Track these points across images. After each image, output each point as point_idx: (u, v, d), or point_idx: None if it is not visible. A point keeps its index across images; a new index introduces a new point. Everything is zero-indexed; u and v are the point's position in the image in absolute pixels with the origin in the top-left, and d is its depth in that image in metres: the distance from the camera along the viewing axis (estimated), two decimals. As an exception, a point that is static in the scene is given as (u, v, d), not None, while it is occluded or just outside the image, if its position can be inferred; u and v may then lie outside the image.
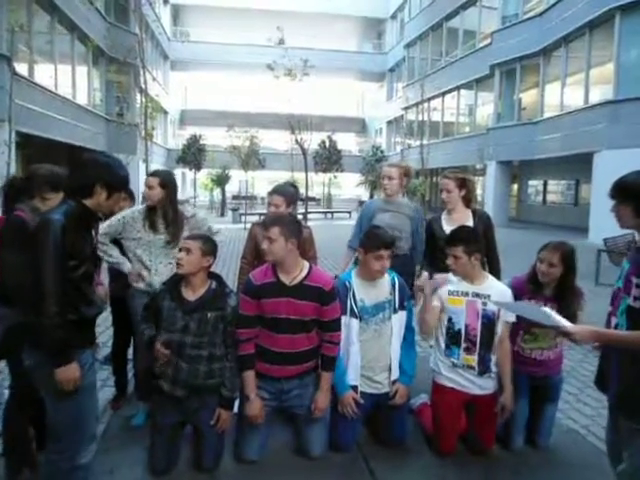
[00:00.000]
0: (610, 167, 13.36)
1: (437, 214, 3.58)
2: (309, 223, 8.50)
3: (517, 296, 2.75)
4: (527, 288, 2.78)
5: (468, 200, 3.41)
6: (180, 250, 2.55)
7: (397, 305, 2.77)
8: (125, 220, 3.09)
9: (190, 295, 2.55)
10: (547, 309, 2.01)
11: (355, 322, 2.70)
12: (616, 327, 1.87)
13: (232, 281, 3.86)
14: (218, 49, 31.74)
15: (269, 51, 12.89)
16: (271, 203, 3.24)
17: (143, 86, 12.15)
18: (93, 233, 2.21)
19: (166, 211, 3.08)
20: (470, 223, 3.32)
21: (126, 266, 3.13)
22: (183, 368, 2.49)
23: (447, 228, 3.31)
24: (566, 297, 2.69)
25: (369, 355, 2.74)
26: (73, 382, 1.97)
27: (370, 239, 2.71)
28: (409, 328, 2.88)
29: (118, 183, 2.19)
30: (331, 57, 31.08)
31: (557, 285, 2.71)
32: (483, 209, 3.56)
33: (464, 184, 3.36)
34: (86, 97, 18.19)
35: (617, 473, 1.89)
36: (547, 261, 2.67)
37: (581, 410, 3.37)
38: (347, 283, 2.77)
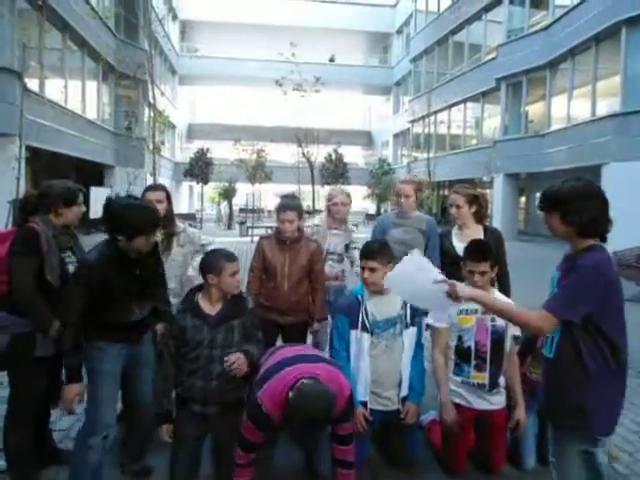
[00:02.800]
0: (618, 180, 13.29)
1: (447, 229, 3.53)
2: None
3: None
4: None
5: (480, 216, 3.36)
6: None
7: (408, 321, 2.72)
8: None
9: (210, 309, 2.54)
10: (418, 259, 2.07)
11: (366, 336, 2.66)
12: (550, 339, 1.89)
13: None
14: (225, 64, 32.15)
15: (276, 66, 13.04)
16: (285, 220, 3.15)
17: (152, 101, 12.27)
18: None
19: (167, 223, 3.09)
20: (479, 237, 3.30)
21: None
22: (213, 387, 2.48)
23: (458, 245, 3.30)
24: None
25: (379, 370, 2.69)
26: (73, 397, 2.28)
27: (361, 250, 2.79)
28: (418, 344, 2.82)
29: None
30: (338, 71, 31.38)
31: None
32: (493, 226, 3.52)
33: (475, 200, 3.32)
34: (95, 112, 18.44)
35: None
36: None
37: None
38: (359, 297, 2.73)
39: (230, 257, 2.50)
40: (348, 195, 3.70)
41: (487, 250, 2.69)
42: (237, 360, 2.37)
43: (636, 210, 11.25)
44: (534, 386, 2.74)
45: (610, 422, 1.78)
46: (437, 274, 2.00)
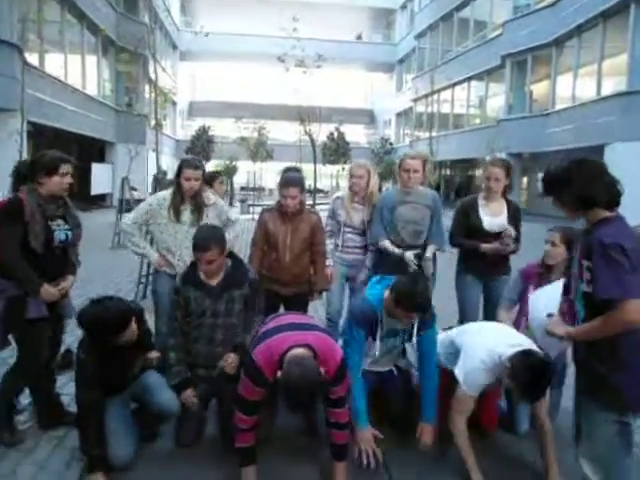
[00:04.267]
0: (622, 159, 13.21)
1: (471, 199, 3.50)
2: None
3: (525, 281, 2.78)
4: (536, 272, 2.81)
5: (506, 189, 3.40)
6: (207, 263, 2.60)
7: (414, 332, 2.62)
8: (152, 207, 3.24)
9: (212, 280, 2.65)
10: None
11: (376, 344, 2.62)
12: (577, 314, 1.91)
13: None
14: (227, 39, 31.63)
15: (279, 42, 12.86)
16: (288, 196, 3.15)
17: (153, 76, 12.16)
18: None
19: (197, 200, 3.23)
20: (505, 213, 3.39)
21: (152, 257, 3.28)
22: (217, 353, 2.62)
23: (485, 218, 3.36)
24: (570, 282, 2.70)
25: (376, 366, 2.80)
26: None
27: (406, 301, 2.38)
28: (430, 354, 2.68)
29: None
30: (340, 48, 30.90)
31: (564, 271, 2.72)
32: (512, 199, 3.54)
33: (509, 173, 3.36)
34: (96, 87, 18.29)
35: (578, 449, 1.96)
36: (550, 241, 2.73)
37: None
38: (378, 314, 2.56)
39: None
40: (367, 169, 3.58)
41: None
42: (233, 361, 2.59)
43: (638, 189, 11.24)
44: None
45: None
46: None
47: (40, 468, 2.46)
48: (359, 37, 34.52)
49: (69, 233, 2.71)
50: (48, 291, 2.58)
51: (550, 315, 1.94)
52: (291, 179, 3.23)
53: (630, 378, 1.76)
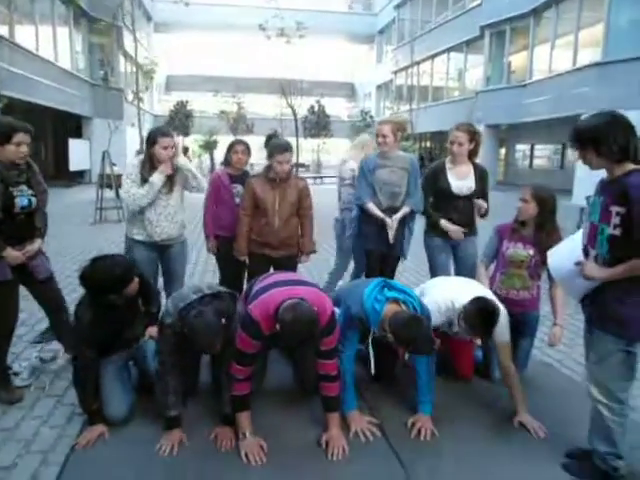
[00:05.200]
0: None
1: (439, 163, 3.65)
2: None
3: (499, 236, 3.04)
4: (509, 227, 3.01)
5: (473, 153, 3.54)
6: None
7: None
8: (135, 175, 3.25)
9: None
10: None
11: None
12: (596, 258, 2.07)
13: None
14: (205, 10, 30.75)
15: (257, 12, 12.63)
16: (283, 161, 3.27)
17: (129, 49, 11.88)
18: None
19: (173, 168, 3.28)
20: (472, 176, 3.53)
21: (157, 176, 3.22)
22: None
23: (452, 181, 3.51)
24: (542, 238, 2.89)
25: None
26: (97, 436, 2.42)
27: (403, 336, 2.29)
28: (424, 368, 2.62)
29: None
30: (320, 18, 30.29)
31: (535, 227, 2.90)
32: (480, 163, 3.67)
33: (474, 137, 3.49)
34: (69, 60, 17.75)
35: (589, 369, 2.19)
36: (522, 198, 2.91)
37: (556, 347, 3.61)
38: (373, 330, 2.47)
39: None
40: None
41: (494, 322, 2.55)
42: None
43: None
44: (505, 302, 2.91)
45: None
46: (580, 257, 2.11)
47: (42, 422, 2.59)
48: (350, 7, 34.07)
49: (33, 199, 2.81)
50: (11, 254, 2.69)
51: (579, 263, 2.08)
52: (284, 144, 3.36)
53: (635, 309, 1.97)
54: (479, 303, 2.51)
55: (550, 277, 3.01)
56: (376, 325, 2.43)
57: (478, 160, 3.64)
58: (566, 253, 2.24)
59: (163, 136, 3.20)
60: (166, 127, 3.39)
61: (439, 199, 3.60)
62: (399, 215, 3.51)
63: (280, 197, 3.35)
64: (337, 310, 2.59)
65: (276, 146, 3.32)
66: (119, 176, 8.46)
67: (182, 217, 3.46)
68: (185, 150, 21.68)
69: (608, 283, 2.01)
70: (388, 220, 3.47)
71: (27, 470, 2.21)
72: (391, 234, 3.47)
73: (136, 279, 2.49)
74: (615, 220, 1.95)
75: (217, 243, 3.77)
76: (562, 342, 3.65)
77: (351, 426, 2.50)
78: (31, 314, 3.92)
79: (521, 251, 2.97)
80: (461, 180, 3.51)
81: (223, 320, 2.32)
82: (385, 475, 2.23)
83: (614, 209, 1.96)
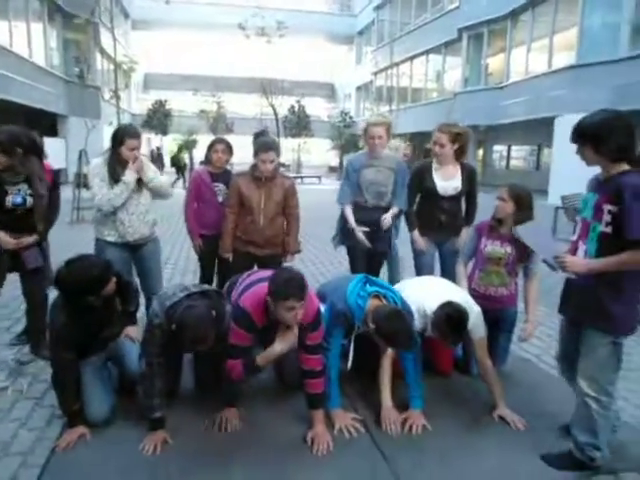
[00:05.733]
0: (569, 131, 13.84)
1: (426, 163, 3.64)
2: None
3: (478, 234, 3.09)
4: (487, 225, 3.06)
5: (459, 154, 3.52)
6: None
7: None
8: (102, 175, 3.19)
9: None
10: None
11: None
12: (585, 253, 2.13)
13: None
14: (184, 8, 30.47)
15: (238, 11, 12.57)
16: (266, 160, 3.24)
17: (106, 45, 11.68)
18: None
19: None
20: (459, 176, 3.54)
21: (129, 175, 3.17)
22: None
23: (438, 181, 3.52)
24: (518, 238, 2.94)
25: None
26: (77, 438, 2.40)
27: (385, 329, 2.34)
28: (411, 362, 2.67)
29: None
30: (300, 17, 30.34)
31: (513, 225, 2.96)
32: (468, 163, 3.67)
33: (457, 138, 3.45)
34: (43, 57, 17.37)
35: (579, 366, 2.23)
36: (500, 197, 2.97)
37: (534, 343, 3.70)
38: (356, 326, 2.54)
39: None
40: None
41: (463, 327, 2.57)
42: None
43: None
44: (483, 299, 3.00)
45: (633, 324, 2.13)
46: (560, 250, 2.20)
47: (21, 425, 2.54)
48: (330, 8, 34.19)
49: (28, 198, 3.05)
50: (3, 238, 3.02)
51: (557, 257, 2.13)
52: (269, 143, 3.33)
53: (624, 306, 2.06)
54: (446, 309, 2.52)
55: (526, 273, 3.09)
56: (360, 320, 2.49)
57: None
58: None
59: (130, 138, 3.15)
60: (133, 127, 3.32)
61: (425, 199, 3.62)
62: (389, 215, 3.53)
63: (266, 196, 3.34)
64: (322, 306, 2.61)
65: (261, 144, 3.30)
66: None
67: (153, 216, 3.44)
68: (158, 152, 21.44)
69: (601, 283, 2.06)
70: (359, 233, 3.51)
71: (6, 473, 2.17)
72: (361, 240, 3.51)
73: (113, 279, 2.45)
74: (607, 218, 2.01)
75: (201, 242, 3.75)
76: (540, 338, 3.76)
77: (335, 423, 2.52)
78: (9, 316, 3.83)
79: (499, 248, 3.02)
80: (447, 181, 3.53)
81: (214, 313, 2.31)
82: (369, 470, 2.25)
83: (607, 207, 2.01)
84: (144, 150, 33.64)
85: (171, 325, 2.27)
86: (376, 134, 3.45)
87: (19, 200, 3.02)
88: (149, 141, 33.45)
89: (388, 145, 3.88)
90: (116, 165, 3.18)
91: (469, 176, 3.59)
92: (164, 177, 3.58)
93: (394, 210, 3.58)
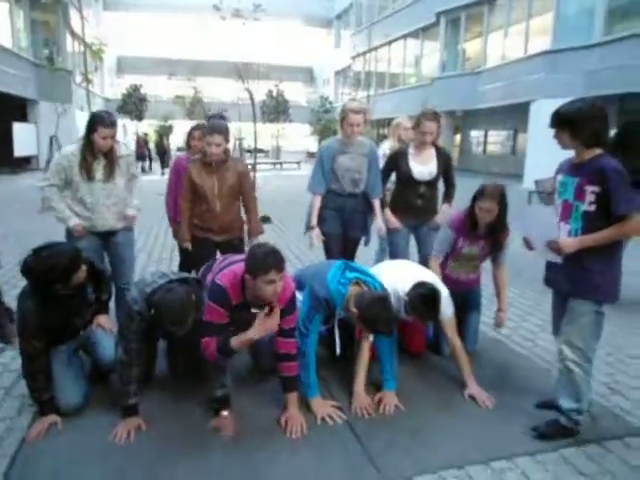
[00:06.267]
0: (545, 116, 13.91)
1: (401, 149, 3.68)
2: (258, 174, 8.48)
3: (456, 233, 3.07)
4: (465, 228, 3.02)
5: (435, 137, 3.55)
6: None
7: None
8: (63, 166, 3.11)
9: None
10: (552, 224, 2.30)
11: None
12: (569, 232, 2.26)
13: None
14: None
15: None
16: (212, 143, 3.13)
17: (76, 26, 11.32)
18: None
19: (110, 154, 3.16)
20: (434, 161, 3.59)
21: (71, 222, 3.17)
22: None
23: (413, 166, 3.56)
24: (497, 234, 3.00)
25: None
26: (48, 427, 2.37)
27: (368, 315, 2.39)
28: (387, 345, 2.71)
29: None
30: (278, 0, 29.82)
31: (489, 225, 2.96)
32: (441, 146, 3.70)
33: (439, 123, 3.51)
34: (10, 38, 16.75)
35: (562, 332, 2.37)
36: (487, 209, 2.87)
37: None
38: (337, 312, 2.60)
39: None
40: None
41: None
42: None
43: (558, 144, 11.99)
44: (455, 284, 3.08)
45: (616, 292, 2.30)
46: (553, 233, 2.26)
47: (-10, 416, 2.51)
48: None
49: None
50: None
51: (551, 242, 2.24)
52: (215, 126, 3.20)
53: (609, 275, 2.24)
54: (419, 289, 2.59)
55: (494, 261, 3.14)
56: (341, 307, 2.52)
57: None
58: (541, 223, 2.37)
59: (103, 126, 3.03)
60: (108, 114, 3.15)
61: (401, 184, 3.66)
62: (378, 211, 3.57)
63: (219, 182, 3.27)
64: (298, 293, 2.61)
65: (207, 127, 3.23)
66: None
67: (132, 209, 3.35)
68: (145, 139, 21.02)
69: (586, 255, 2.21)
70: (314, 237, 3.53)
71: (-25, 464, 2.14)
72: (316, 243, 3.55)
73: (83, 267, 2.41)
74: (590, 198, 2.18)
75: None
76: (510, 319, 3.85)
77: (317, 413, 2.52)
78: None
79: (475, 248, 3.08)
80: (423, 165, 3.57)
81: (193, 297, 2.30)
82: (342, 450, 2.29)
83: (589, 188, 2.18)
84: (120, 137, 33.00)
85: (150, 311, 2.26)
86: (355, 122, 3.40)
87: None
88: (124, 127, 32.84)
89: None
90: (87, 154, 3.08)
91: (445, 161, 3.64)
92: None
93: (376, 203, 3.58)
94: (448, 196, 3.80)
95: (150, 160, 20.48)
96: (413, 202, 3.61)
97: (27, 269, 2.30)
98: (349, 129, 3.42)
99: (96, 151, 3.09)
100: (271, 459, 2.22)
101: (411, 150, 3.61)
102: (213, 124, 3.27)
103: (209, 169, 3.26)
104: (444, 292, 2.74)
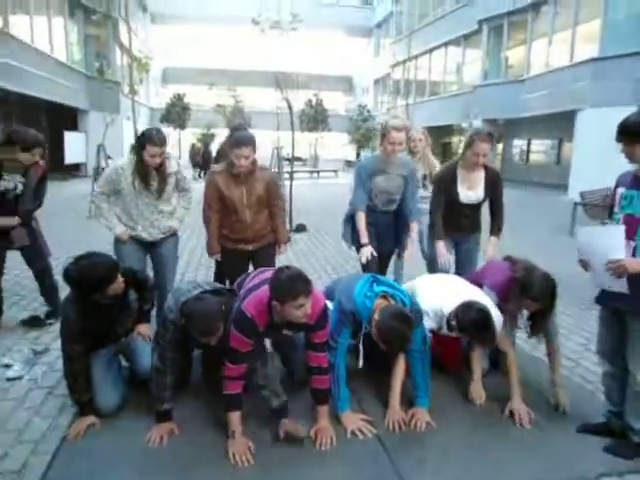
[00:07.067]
0: (592, 125, 13.52)
1: (449, 172, 3.47)
2: (295, 182, 8.54)
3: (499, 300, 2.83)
4: (508, 300, 2.80)
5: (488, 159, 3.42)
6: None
7: None
8: (112, 178, 3.25)
9: None
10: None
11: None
12: (634, 250, 2.13)
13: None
14: (200, 1, 30.64)
15: (252, 3, 12.56)
16: (240, 156, 3.12)
17: (125, 40, 11.83)
18: None
19: (160, 170, 3.27)
20: (482, 185, 3.44)
21: (117, 229, 3.33)
22: None
23: (461, 190, 3.42)
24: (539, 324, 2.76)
25: None
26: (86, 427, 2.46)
27: (385, 340, 2.38)
28: (418, 349, 2.65)
29: None
30: (317, 10, 30.22)
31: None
32: (491, 166, 3.53)
33: (493, 144, 3.37)
34: (64, 52, 17.67)
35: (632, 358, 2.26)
36: (532, 307, 2.67)
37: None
38: (364, 327, 2.54)
39: None
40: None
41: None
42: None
43: (605, 154, 11.54)
44: None
45: None
46: (617, 254, 2.10)
47: (34, 413, 2.61)
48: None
49: (20, 185, 3.51)
50: None
51: (610, 262, 2.10)
52: (243, 138, 3.18)
53: None
54: (470, 314, 2.48)
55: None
56: (367, 320, 2.49)
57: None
58: (600, 243, 2.21)
59: (152, 144, 3.13)
60: (158, 132, 3.23)
61: (447, 207, 3.50)
62: (414, 235, 3.55)
63: (247, 192, 3.27)
64: (330, 304, 2.61)
65: (234, 140, 3.18)
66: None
67: (174, 221, 3.46)
68: (205, 150, 21.43)
69: None
70: (364, 250, 3.45)
71: (18, 459, 2.24)
72: (364, 259, 3.46)
73: (120, 279, 2.47)
74: None
75: None
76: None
77: (347, 427, 2.50)
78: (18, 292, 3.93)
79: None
80: (470, 190, 3.44)
81: (223, 307, 2.33)
82: (372, 464, 2.26)
83: None
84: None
85: (183, 318, 2.31)
86: (397, 140, 3.29)
87: (10, 185, 3.48)
88: (168, 136, 33.90)
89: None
90: (142, 168, 3.20)
91: (493, 182, 3.46)
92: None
93: (413, 228, 3.53)
94: (495, 228, 3.54)
95: (203, 168, 20.90)
96: (457, 222, 3.50)
97: (67, 276, 2.38)
98: (389, 147, 3.32)
99: (147, 166, 3.20)
100: (299, 470, 2.22)
101: (460, 171, 3.43)
102: (240, 136, 3.22)
103: (237, 180, 3.25)
104: (493, 309, 2.61)
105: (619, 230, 2.14)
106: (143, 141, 3.15)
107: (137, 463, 2.23)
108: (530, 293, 2.58)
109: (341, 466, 2.25)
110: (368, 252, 3.44)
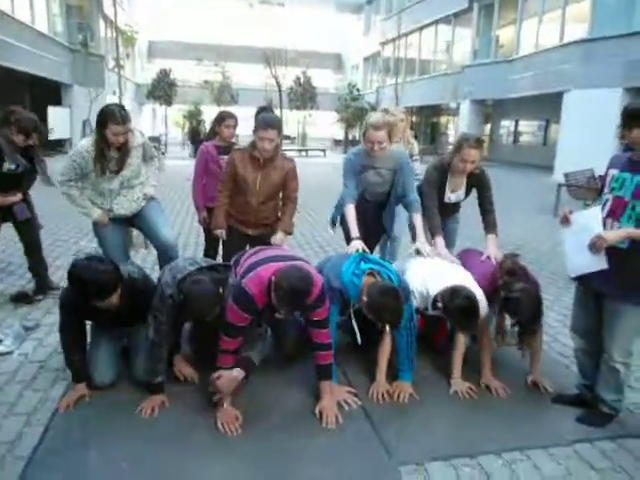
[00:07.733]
0: (578, 106, 13.62)
1: (443, 172, 3.39)
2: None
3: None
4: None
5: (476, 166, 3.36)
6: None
7: None
8: (77, 163, 3.09)
9: None
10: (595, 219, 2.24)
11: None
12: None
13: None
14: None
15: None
16: (265, 138, 3.02)
17: (109, 12, 11.52)
18: None
19: (123, 148, 3.12)
20: (464, 186, 3.42)
21: (95, 214, 3.23)
22: None
23: (447, 192, 3.42)
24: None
25: None
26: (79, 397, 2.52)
27: (374, 306, 2.43)
28: (408, 317, 2.67)
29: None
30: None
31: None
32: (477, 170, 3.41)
33: (482, 150, 3.33)
34: (46, 23, 17.13)
35: (608, 336, 2.36)
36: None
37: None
38: (352, 303, 2.62)
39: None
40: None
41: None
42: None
43: (591, 136, 11.67)
44: None
45: None
46: (596, 231, 2.19)
47: (26, 387, 2.66)
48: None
49: (20, 166, 3.60)
50: None
51: (598, 236, 2.18)
52: (269, 120, 3.09)
53: None
54: (457, 300, 2.50)
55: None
56: (355, 298, 2.56)
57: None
58: (577, 237, 2.30)
59: (114, 123, 2.94)
60: (120, 111, 3.00)
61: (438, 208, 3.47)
62: (419, 231, 3.28)
63: (262, 178, 3.19)
64: None
65: (260, 121, 3.08)
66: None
67: (148, 187, 3.36)
68: (197, 125, 21.02)
69: (636, 256, 2.17)
70: (354, 243, 3.14)
71: (12, 431, 2.29)
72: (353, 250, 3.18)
73: (118, 291, 2.38)
74: None
75: (206, 214, 3.82)
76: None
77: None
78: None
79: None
80: (454, 193, 3.47)
81: (220, 289, 2.38)
82: (356, 435, 2.36)
83: None
84: (149, 121, 33.37)
85: (180, 295, 2.35)
86: (375, 139, 3.09)
87: (12, 166, 3.59)
88: (154, 112, 33.27)
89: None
90: (104, 148, 3.04)
91: (478, 185, 3.40)
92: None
93: (418, 221, 3.31)
94: (490, 225, 3.38)
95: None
96: (440, 213, 3.41)
97: (69, 271, 2.33)
98: (369, 145, 3.15)
99: (109, 145, 3.04)
100: (286, 445, 2.27)
101: (450, 176, 3.38)
102: (267, 118, 3.12)
103: (256, 164, 3.17)
104: (479, 295, 2.63)
105: (596, 210, 2.26)
106: (105, 119, 2.96)
107: (131, 434, 2.29)
108: (514, 316, 2.61)
109: (327, 437, 2.33)
110: (358, 246, 3.26)
